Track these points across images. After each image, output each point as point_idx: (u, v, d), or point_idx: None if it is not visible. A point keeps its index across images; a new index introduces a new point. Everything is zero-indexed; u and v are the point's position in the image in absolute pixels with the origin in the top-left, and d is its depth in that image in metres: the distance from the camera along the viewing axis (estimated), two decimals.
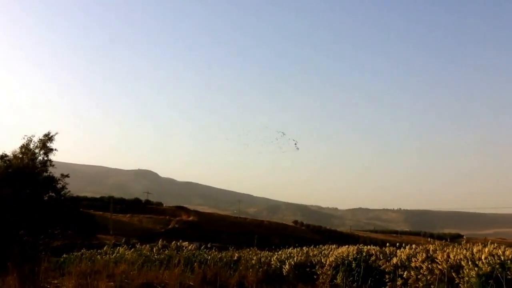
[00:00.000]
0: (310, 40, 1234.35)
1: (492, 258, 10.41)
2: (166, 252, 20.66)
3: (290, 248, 19.13)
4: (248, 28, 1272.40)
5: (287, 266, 15.59)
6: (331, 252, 15.53)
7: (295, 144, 33.71)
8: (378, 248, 14.55)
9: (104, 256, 22.90)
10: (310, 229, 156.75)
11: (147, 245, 23.57)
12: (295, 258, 15.99)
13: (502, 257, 10.30)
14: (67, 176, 27.02)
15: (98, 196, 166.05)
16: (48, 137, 26.12)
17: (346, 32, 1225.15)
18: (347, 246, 15.60)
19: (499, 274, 9.74)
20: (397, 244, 14.44)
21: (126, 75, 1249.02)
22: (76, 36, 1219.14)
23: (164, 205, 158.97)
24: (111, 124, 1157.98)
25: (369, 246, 14.89)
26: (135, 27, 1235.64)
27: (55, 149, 26.46)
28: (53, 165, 26.83)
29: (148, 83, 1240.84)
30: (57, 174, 26.81)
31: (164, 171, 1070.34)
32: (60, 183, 26.80)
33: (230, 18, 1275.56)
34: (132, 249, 22.92)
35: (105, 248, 25.87)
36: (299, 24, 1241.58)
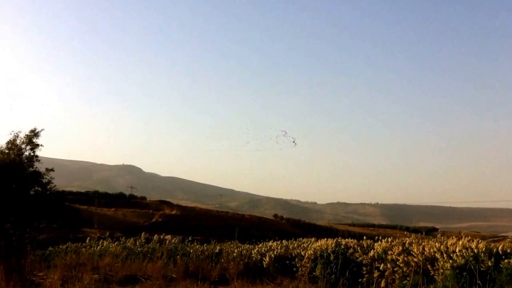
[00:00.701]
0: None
1: (466, 251, 10.50)
2: (150, 245, 20.58)
3: (270, 241, 19.14)
4: (238, 27, 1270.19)
5: (267, 259, 15.60)
6: (310, 245, 15.57)
7: (294, 141, 33.87)
8: (356, 241, 14.60)
9: (89, 249, 22.75)
10: (290, 222, 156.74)
11: (131, 239, 23.46)
12: (275, 251, 16.01)
13: (475, 250, 10.38)
14: (52, 170, 26.84)
15: (83, 190, 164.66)
16: (34, 133, 25.95)
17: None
18: (325, 239, 15.64)
19: (472, 266, 9.81)
20: (375, 237, 14.51)
21: (112, 71, 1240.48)
22: (65, 32, 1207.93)
23: (148, 199, 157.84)
24: (96, 121, 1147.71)
25: (347, 239, 14.94)
26: (124, 23, 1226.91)
27: (41, 145, 26.29)
28: (39, 160, 26.64)
29: (134, 80, 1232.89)
30: (43, 169, 26.63)
31: (147, 167, 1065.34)
32: (46, 178, 26.63)
33: (223, 16, 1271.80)
34: (116, 242, 22.79)
35: (87, 241, 25.67)
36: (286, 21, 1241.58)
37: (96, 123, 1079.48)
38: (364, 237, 14.85)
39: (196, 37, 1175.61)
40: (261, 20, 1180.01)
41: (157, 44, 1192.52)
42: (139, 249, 19.89)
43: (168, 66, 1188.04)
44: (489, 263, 9.93)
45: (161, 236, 23.16)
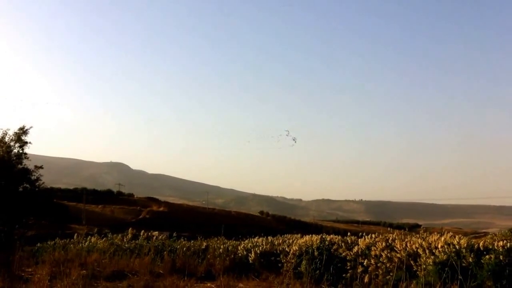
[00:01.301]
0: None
1: (448, 247, 10.54)
2: (137, 241, 20.49)
3: (256, 238, 19.09)
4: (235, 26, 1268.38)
5: (253, 255, 15.58)
6: (295, 241, 15.56)
7: (294, 140, 34.15)
8: (340, 237, 14.62)
9: (77, 245, 22.61)
10: (276, 219, 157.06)
11: (119, 235, 23.33)
12: (260, 247, 15.98)
13: (457, 246, 10.44)
14: (40, 167, 26.69)
15: (71, 187, 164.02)
16: (23, 131, 25.79)
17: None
18: (310, 235, 15.65)
19: (454, 262, 9.85)
20: (359, 233, 14.54)
21: (99, 68, 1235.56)
22: (51, 26, 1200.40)
23: (135, 196, 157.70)
24: (85, 118, 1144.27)
25: (331, 236, 14.97)
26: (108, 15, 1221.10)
27: (30, 142, 26.15)
28: (27, 158, 26.50)
29: (122, 77, 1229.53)
30: (31, 167, 26.48)
31: (135, 164, 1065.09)
32: (35, 175, 26.47)
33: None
34: (104, 239, 22.67)
35: (75, 237, 25.49)
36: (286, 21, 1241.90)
37: (85, 121, 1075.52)
38: (349, 234, 14.89)
39: (196, 36, 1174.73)
40: (261, 21, 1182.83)
41: (156, 44, 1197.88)
42: (126, 245, 19.78)
43: (162, 64, 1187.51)
44: (471, 259, 9.99)
45: (149, 233, 23.02)
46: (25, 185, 26.13)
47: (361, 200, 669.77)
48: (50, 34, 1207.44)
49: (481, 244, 10.52)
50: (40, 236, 36.25)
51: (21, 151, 25.74)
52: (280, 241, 17.05)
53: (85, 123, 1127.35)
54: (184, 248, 17.81)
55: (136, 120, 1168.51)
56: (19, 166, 25.48)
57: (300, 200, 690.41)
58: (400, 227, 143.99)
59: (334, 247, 13.33)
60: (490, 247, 10.20)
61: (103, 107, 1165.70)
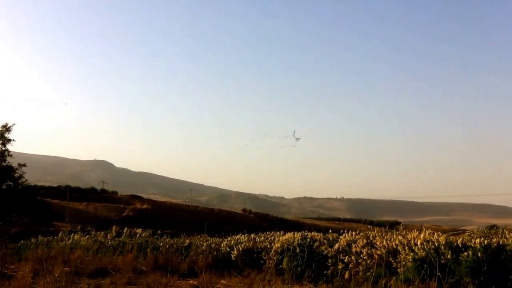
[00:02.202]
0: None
1: (427, 244, 10.61)
2: (120, 238, 20.41)
3: (239, 235, 19.08)
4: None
5: (235, 252, 15.57)
6: (277, 239, 15.56)
7: (296, 139, 34.82)
8: (321, 234, 14.66)
9: (60, 243, 22.47)
10: (258, 216, 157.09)
11: (102, 232, 23.22)
12: (243, 244, 15.98)
13: (436, 243, 10.50)
14: (24, 165, 26.47)
15: (55, 185, 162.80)
16: (6, 128, 25.56)
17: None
18: (292, 232, 15.67)
19: (432, 259, 9.92)
20: (340, 231, 14.59)
21: (84, 66, 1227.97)
22: (37, 21, 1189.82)
23: (119, 194, 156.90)
24: (69, 116, 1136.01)
25: (313, 233, 14.99)
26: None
27: (13, 140, 25.91)
28: (11, 155, 26.26)
29: (106, 75, 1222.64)
30: (15, 164, 26.24)
31: (119, 162, 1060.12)
32: (18, 173, 26.24)
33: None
34: (87, 236, 22.55)
35: (60, 235, 25.33)
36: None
37: (69, 118, 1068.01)
38: (330, 231, 14.93)
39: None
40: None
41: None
42: (110, 242, 19.70)
43: (148, 61, 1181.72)
44: (449, 256, 10.05)
45: (132, 230, 22.93)
46: (8, 182, 25.92)
47: (343, 198, 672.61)
48: (37, 29, 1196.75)
49: (459, 241, 10.60)
50: (24, 233, 35.98)
51: (4, 149, 25.51)
52: (263, 238, 17.05)
53: (69, 121, 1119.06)
54: (167, 245, 17.78)
55: (120, 118, 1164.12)
56: (3, 163, 25.27)
57: (283, 198, 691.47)
58: (380, 224, 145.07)
59: (316, 244, 13.36)
60: (468, 244, 10.27)
61: (87, 105, 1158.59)
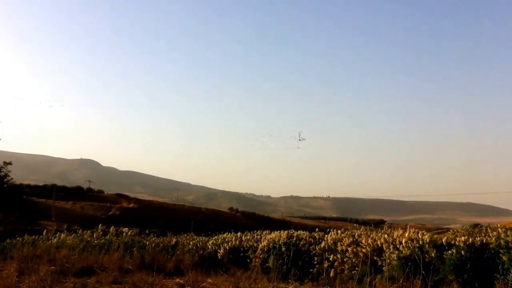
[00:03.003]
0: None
1: (412, 242, 10.67)
2: (107, 237, 20.33)
3: (225, 234, 19.08)
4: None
5: (222, 251, 15.57)
6: (263, 237, 15.58)
7: (300, 140, 35.24)
8: (308, 233, 14.69)
9: (46, 242, 22.32)
10: (245, 215, 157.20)
11: (88, 231, 23.12)
12: (229, 243, 15.98)
13: (420, 241, 10.57)
14: (9, 163, 26.31)
15: (41, 184, 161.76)
16: None
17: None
18: (278, 231, 15.69)
19: (417, 257, 9.97)
20: (326, 229, 14.62)
21: (71, 63, 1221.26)
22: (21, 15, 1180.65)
23: (106, 192, 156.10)
24: (55, 114, 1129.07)
25: (299, 231, 15.02)
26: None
27: None
28: None
29: (91, 73, 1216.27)
30: (0, 163, 26.06)
31: (106, 161, 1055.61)
32: (3, 171, 26.07)
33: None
34: (74, 235, 22.43)
35: (44, 233, 25.16)
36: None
37: (55, 117, 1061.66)
38: (317, 229, 14.97)
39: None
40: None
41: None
42: (96, 241, 19.61)
43: (136, 60, 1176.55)
44: (433, 254, 10.11)
45: (118, 229, 22.85)
46: None
47: (329, 196, 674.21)
48: (26, 25, 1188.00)
49: (443, 239, 10.66)
50: (9, 232, 35.71)
51: None
52: (249, 237, 17.05)
53: (55, 119, 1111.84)
54: (153, 244, 17.74)
55: (107, 117, 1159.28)
56: None
57: (269, 196, 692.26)
58: (366, 223, 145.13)
59: (302, 242, 13.40)
60: (452, 242, 10.34)
61: (73, 103, 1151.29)
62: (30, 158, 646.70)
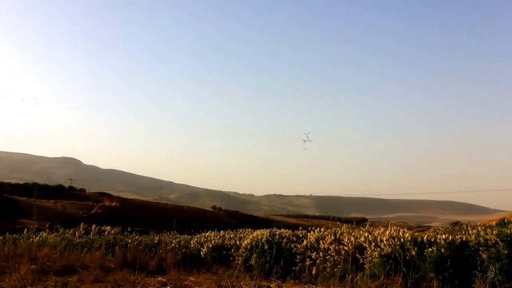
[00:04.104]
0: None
1: (393, 240, 10.76)
2: (89, 236, 20.20)
3: (209, 232, 19.08)
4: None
5: (205, 249, 15.58)
6: (246, 236, 15.64)
7: (304, 141, 35.31)
8: (290, 231, 14.76)
9: (27, 240, 22.13)
10: (228, 214, 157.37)
11: (70, 230, 22.96)
12: (212, 241, 16.00)
13: (402, 239, 10.66)
14: None
15: (22, 182, 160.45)
16: None
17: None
18: (261, 229, 15.74)
19: (398, 255, 10.05)
20: (309, 227, 14.68)
21: (55, 60, 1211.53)
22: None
23: (88, 191, 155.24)
24: (36, 112, 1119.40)
25: (282, 230, 15.09)
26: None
27: None
28: None
29: (73, 70, 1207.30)
30: None
31: (87, 159, 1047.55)
32: None
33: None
34: (55, 233, 22.26)
35: (25, 232, 24.91)
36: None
37: (36, 114, 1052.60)
38: (300, 228, 15.05)
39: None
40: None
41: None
42: (78, 240, 19.47)
43: (119, 55, 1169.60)
44: (414, 252, 10.20)
45: (101, 228, 22.72)
46: None
47: (311, 195, 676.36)
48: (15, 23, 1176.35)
49: (424, 237, 10.77)
50: None
51: None
52: (232, 235, 17.09)
53: (37, 118, 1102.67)
54: (136, 243, 17.68)
55: (88, 115, 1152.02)
56: None
57: (252, 195, 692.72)
58: (348, 221, 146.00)
59: (284, 240, 13.46)
60: (433, 240, 10.44)
61: (55, 101, 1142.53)
62: (11, 157, 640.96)
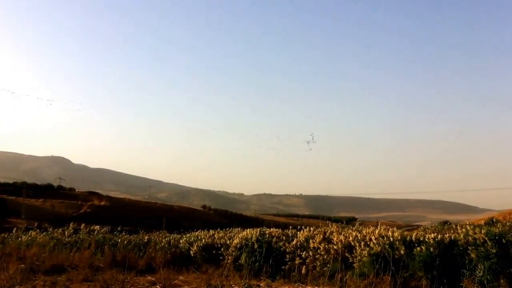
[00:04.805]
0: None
1: (382, 239, 10.81)
2: (78, 235, 20.14)
3: (198, 231, 19.06)
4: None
5: (195, 248, 15.56)
6: (236, 235, 15.62)
7: (309, 142, 35.35)
8: (280, 230, 14.78)
9: (15, 239, 22.03)
10: (218, 213, 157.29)
11: (59, 229, 22.87)
12: (203, 241, 15.98)
13: (391, 238, 10.71)
14: None
15: (11, 181, 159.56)
16: None
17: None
18: (251, 229, 15.75)
19: (387, 254, 10.10)
20: (298, 227, 14.71)
21: (43, 56, 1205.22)
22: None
23: (77, 190, 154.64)
24: (24, 111, 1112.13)
25: (271, 229, 15.10)
26: None
27: None
28: None
29: (60, 67, 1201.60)
30: None
31: (77, 158, 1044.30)
32: None
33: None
34: (44, 233, 22.17)
35: (14, 231, 24.77)
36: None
37: (25, 113, 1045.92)
38: (290, 227, 15.06)
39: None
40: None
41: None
42: (67, 239, 19.41)
43: (109, 53, 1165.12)
44: (403, 251, 10.25)
45: (90, 227, 22.65)
46: None
47: (301, 194, 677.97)
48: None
49: (413, 236, 10.83)
50: None
51: None
52: (222, 234, 17.08)
53: (25, 116, 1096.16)
54: (125, 242, 17.63)
55: (78, 113, 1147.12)
56: None
57: (242, 194, 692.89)
58: (337, 220, 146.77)
59: (274, 240, 13.47)
60: (422, 239, 10.50)
61: (44, 99, 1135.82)
62: None
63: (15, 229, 25.64)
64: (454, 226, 24.35)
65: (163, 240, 17.76)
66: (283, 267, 12.46)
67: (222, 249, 14.90)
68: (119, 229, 23.00)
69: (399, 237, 10.75)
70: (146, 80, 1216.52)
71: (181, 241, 17.14)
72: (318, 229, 13.53)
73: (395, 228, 12.02)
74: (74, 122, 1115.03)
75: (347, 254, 11.25)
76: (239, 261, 13.46)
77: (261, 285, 10.23)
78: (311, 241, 12.40)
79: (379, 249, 10.47)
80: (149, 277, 11.21)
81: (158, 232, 22.59)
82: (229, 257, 14.14)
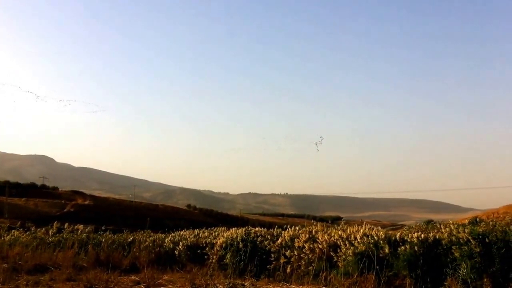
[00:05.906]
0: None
1: (367, 238, 10.87)
2: (61, 234, 20.05)
3: (183, 231, 19.03)
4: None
5: (180, 247, 15.54)
6: (221, 234, 15.62)
7: (317, 143, 35.07)
8: (265, 230, 14.80)
9: None
10: (203, 212, 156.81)
11: (43, 228, 22.76)
12: (188, 240, 15.97)
13: (375, 238, 10.77)
14: None
15: None
16: None
17: None
18: (236, 228, 15.75)
19: (371, 253, 10.15)
20: (284, 226, 14.74)
21: (29, 55, 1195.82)
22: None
23: (60, 189, 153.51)
24: (6, 109, 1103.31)
25: (257, 228, 15.11)
26: None
27: None
28: None
29: (46, 64, 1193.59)
30: None
31: (60, 157, 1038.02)
32: None
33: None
34: (27, 232, 22.04)
35: None
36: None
37: (6, 111, 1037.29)
38: (276, 227, 15.10)
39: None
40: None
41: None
42: (50, 238, 19.34)
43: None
44: (387, 250, 10.32)
45: (74, 226, 22.55)
46: None
47: (287, 194, 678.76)
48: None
49: (397, 235, 10.90)
50: None
51: None
52: (207, 234, 17.07)
53: (8, 114, 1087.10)
54: (109, 241, 17.58)
55: (60, 111, 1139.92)
56: None
57: (227, 193, 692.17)
58: (323, 219, 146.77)
59: (259, 239, 13.50)
60: (406, 238, 10.56)
61: (27, 97, 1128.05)
62: None
63: None
64: (438, 225, 24.44)
65: (148, 240, 17.71)
66: (268, 266, 12.49)
67: (207, 249, 14.89)
68: (103, 228, 22.93)
69: (383, 236, 10.83)
70: (129, 79, 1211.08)
71: (165, 240, 17.12)
72: (303, 229, 13.56)
73: (379, 227, 12.09)
74: (56, 120, 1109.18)
75: (332, 253, 11.30)
76: (224, 261, 13.47)
77: (245, 284, 10.25)
78: (296, 240, 12.44)
79: (363, 248, 10.53)
80: (133, 277, 11.20)
81: (142, 232, 22.53)
82: (214, 257, 14.15)
